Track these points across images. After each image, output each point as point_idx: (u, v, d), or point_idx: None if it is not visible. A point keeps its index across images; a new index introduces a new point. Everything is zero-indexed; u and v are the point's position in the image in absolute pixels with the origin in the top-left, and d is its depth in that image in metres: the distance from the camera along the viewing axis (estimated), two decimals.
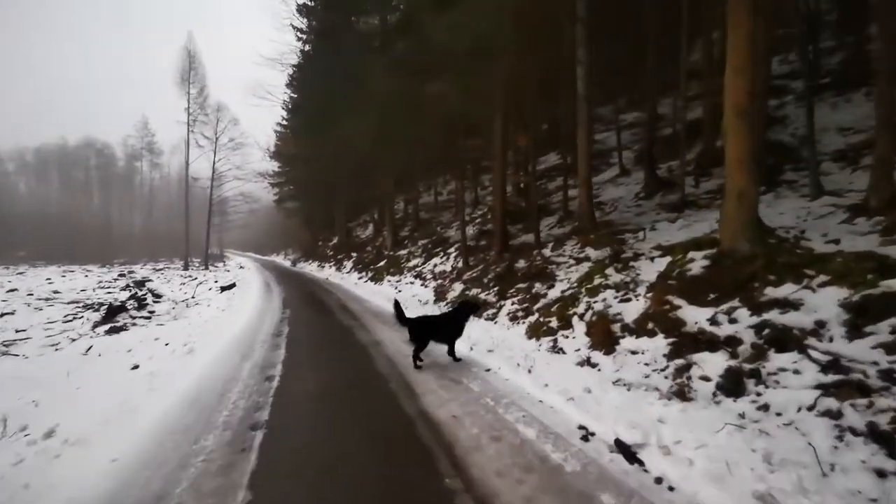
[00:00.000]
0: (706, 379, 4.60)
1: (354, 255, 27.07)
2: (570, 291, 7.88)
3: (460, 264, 16.27)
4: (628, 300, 6.70)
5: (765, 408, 3.99)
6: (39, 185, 63.27)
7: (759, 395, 4.14)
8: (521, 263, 10.63)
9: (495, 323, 8.78)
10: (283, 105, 31.78)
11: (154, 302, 19.06)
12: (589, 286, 7.53)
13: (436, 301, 13.49)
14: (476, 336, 8.19)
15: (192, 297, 20.18)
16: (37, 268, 42.30)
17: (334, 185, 29.38)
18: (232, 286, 21.60)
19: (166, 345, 10.10)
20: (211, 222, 39.98)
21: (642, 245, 8.41)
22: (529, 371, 6.03)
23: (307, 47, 25.22)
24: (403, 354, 7.56)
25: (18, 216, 59.12)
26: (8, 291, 24.94)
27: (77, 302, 21.12)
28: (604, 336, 6.19)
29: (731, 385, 4.35)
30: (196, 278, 28.71)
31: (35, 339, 13.04)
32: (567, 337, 6.81)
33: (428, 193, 29.04)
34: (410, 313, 11.59)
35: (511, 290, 9.64)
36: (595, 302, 7.06)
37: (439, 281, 16.09)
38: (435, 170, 25.59)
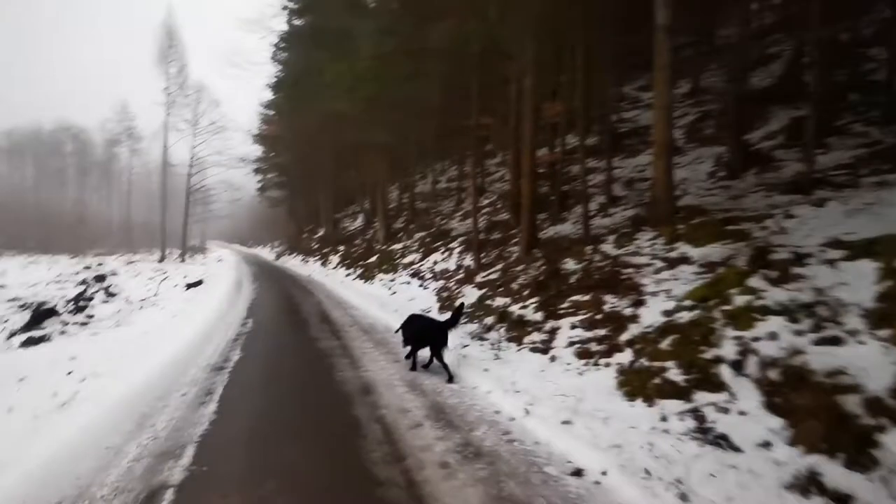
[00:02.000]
0: None
1: (342, 248, 23.64)
2: (685, 315, 4.65)
3: (467, 262, 13.03)
4: (836, 341, 3.50)
5: None
6: (13, 171, 58.34)
7: None
8: (570, 264, 7.39)
9: (551, 358, 5.52)
10: (267, 85, 28.19)
11: (103, 302, 15.61)
12: (727, 308, 4.31)
13: (442, 309, 10.24)
14: (527, 383, 4.95)
15: (155, 295, 16.77)
16: (1, 257, 38.22)
17: (319, 170, 25.87)
18: (199, 283, 18.19)
19: (69, 373, 6.97)
20: (191, 212, 36.24)
21: (788, 239, 5.21)
22: (684, 498, 2.82)
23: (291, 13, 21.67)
24: (413, 421, 4.30)
25: None
26: None
27: (17, 300, 17.51)
28: (831, 423, 2.97)
29: None
30: (167, 272, 25.13)
31: None
32: (722, 408, 3.57)
33: (424, 182, 25.67)
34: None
35: (564, 305, 6.39)
36: (757, 340, 3.85)
37: (441, 282, 12.86)
38: (433, 152, 22.23)
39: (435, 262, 14.59)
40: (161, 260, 33.94)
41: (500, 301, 8.04)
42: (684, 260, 5.82)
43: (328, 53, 12.90)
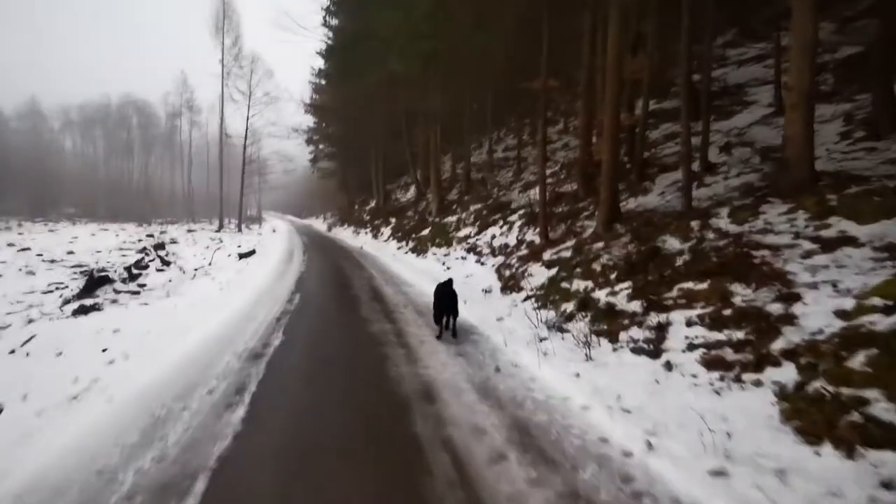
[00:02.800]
0: None
1: (393, 220, 22.76)
2: (881, 320, 3.24)
3: (530, 236, 11.74)
4: None
5: None
6: (85, 144, 61.20)
7: None
8: (673, 243, 5.99)
9: (665, 365, 4.20)
10: (317, 52, 27.27)
11: (158, 271, 15.46)
12: None
13: (506, 290, 9.06)
14: (638, 399, 3.73)
15: (210, 264, 16.55)
16: (76, 225, 40.12)
17: (371, 140, 24.92)
18: (251, 253, 17.85)
19: (103, 350, 6.43)
20: (247, 182, 36.52)
21: None
22: None
23: None
24: (494, 449, 3.20)
25: (67, 174, 57.56)
26: (19, 250, 21.96)
27: (80, 266, 17.80)
28: None
29: None
30: (222, 242, 25.21)
31: None
32: None
33: (478, 152, 24.23)
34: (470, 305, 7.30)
35: (671, 294, 5.05)
36: None
37: (501, 258, 11.66)
38: (490, 119, 20.70)
39: (493, 237, 13.38)
40: (219, 229, 34.44)
41: (579, 284, 6.76)
42: (847, 241, 4.34)
43: (383, 7, 11.62)
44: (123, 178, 56.98)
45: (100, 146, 60.56)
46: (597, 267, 6.85)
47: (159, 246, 22.85)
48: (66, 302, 11.37)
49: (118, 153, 58.61)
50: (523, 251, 11.06)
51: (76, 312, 10.12)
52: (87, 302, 10.70)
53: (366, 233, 24.99)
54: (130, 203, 52.07)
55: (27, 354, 7.01)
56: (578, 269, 7.25)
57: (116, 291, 11.99)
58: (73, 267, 17.60)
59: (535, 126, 19.98)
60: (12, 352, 7.24)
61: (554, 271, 8.28)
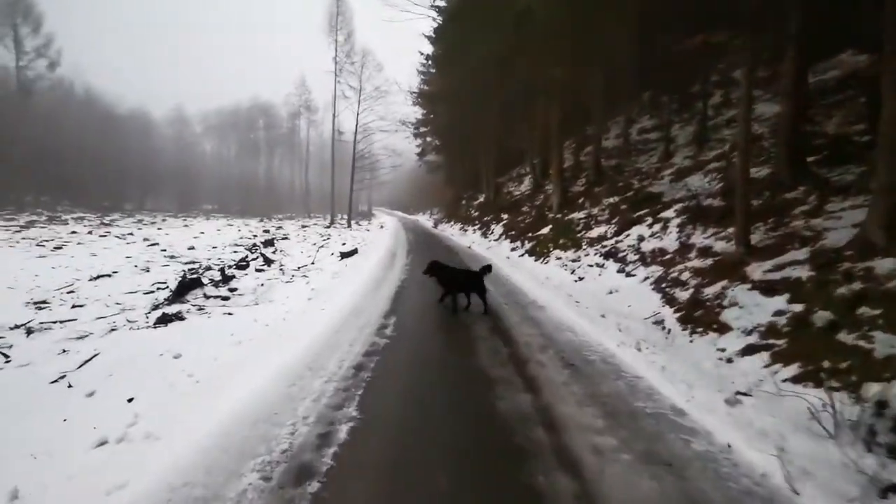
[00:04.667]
0: None
1: (506, 217, 19.97)
2: None
3: (700, 240, 8.32)
4: None
5: None
6: (221, 145, 66.52)
7: None
8: None
9: None
10: (426, 35, 25.44)
11: (257, 270, 14.33)
12: None
13: (690, 324, 5.94)
14: None
15: (312, 263, 15.25)
16: (209, 220, 42.81)
17: (481, 127, 22.26)
18: (353, 253, 16.26)
19: (129, 400, 4.59)
20: (358, 178, 36.16)
21: None
22: None
23: None
24: None
25: (207, 174, 62.86)
26: (149, 245, 22.75)
27: (194, 262, 17.47)
28: None
29: None
30: (329, 238, 24.31)
31: (72, 324, 8.44)
32: None
33: (605, 137, 20.52)
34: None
35: None
36: None
37: (655, 267, 8.47)
38: (624, 94, 17.01)
39: (640, 238, 10.09)
40: (329, 225, 34.28)
41: (893, 342, 3.49)
42: None
43: None
44: (251, 176, 60.82)
45: (232, 148, 65.46)
46: None
47: (269, 242, 22.44)
48: (155, 307, 10.29)
49: (248, 153, 62.85)
50: (695, 260, 7.77)
51: (157, 322, 8.83)
52: (171, 310, 9.40)
53: (474, 230, 22.54)
54: (256, 199, 55.16)
55: (69, 386, 5.34)
56: (869, 310, 3.94)
57: (206, 297, 10.70)
58: (186, 263, 17.35)
59: (683, 101, 15.95)
60: (56, 380, 5.64)
61: (784, 301, 5.03)
